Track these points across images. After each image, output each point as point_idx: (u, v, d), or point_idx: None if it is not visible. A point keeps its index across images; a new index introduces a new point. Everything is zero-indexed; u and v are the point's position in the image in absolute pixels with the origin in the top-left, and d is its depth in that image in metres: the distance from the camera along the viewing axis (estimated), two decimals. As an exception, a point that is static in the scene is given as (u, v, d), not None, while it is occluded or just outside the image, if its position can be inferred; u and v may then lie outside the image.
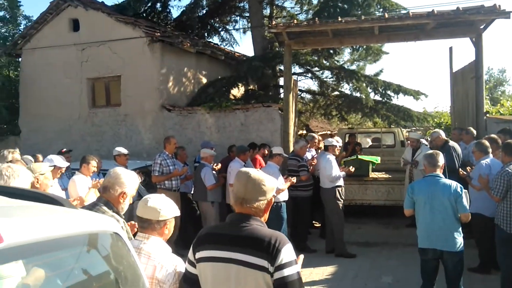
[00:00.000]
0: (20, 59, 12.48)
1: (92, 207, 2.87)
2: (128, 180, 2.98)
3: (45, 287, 1.45)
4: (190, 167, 8.29)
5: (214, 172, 7.39)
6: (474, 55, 8.51)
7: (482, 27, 8.37)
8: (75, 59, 11.00)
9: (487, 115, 9.30)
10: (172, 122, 10.28)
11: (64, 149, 8.23)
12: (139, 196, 5.27)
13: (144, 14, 12.55)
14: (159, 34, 10.26)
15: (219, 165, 7.57)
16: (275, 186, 2.31)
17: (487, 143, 5.95)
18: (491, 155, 5.89)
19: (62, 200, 1.72)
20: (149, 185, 7.38)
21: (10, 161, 5.13)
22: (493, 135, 6.61)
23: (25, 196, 1.69)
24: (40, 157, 7.24)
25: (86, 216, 1.68)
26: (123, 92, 10.65)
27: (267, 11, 13.56)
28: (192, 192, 7.81)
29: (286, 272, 2.04)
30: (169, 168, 7.12)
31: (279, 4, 14.02)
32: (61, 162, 5.48)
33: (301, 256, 2.31)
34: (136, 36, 10.38)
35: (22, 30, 14.24)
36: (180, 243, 6.79)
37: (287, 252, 2.07)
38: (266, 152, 7.97)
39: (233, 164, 7.36)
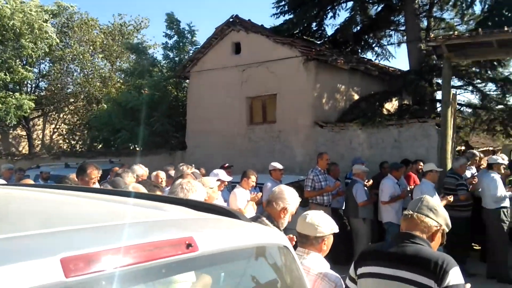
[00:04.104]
0: (187, 81, 13.64)
1: (255, 219, 2.95)
2: (291, 197, 3.19)
3: None
4: (342, 183, 8.32)
5: (365, 188, 7.38)
6: None
7: None
8: (236, 80, 11.72)
9: None
10: (324, 138, 10.41)
11: (227, 164, 8.74)
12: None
13: (300, 34, 12.97)
14: (313, 52, 10.54)
15: (371, 181, 7.54)
16: (447, 217, 2.42)
17: None
18: None
19: (238, 213, 1.82)
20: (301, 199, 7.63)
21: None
22: None
23: (207, 208, 1.83)
24: (203, 170, 7.71)
25: (260, 229, 1.78)
26: (278, 110, 11.09)
27: (424, 24, 13.07)
28: (343, 208, 7.85)
29: None
30: (321, 184, 7.18)
31: (437, 16, 13.35)
32: (225, 176, 5.81)
33: (468, 285, 2.29)
34: (292, 55, 10.78)
35: (190, 55, 15.28)
36: (330, 258, 6.87)
37: (455, 275, 2.10)
38: (420, 167, 7.67)
39: (385, 181, 7.25)
